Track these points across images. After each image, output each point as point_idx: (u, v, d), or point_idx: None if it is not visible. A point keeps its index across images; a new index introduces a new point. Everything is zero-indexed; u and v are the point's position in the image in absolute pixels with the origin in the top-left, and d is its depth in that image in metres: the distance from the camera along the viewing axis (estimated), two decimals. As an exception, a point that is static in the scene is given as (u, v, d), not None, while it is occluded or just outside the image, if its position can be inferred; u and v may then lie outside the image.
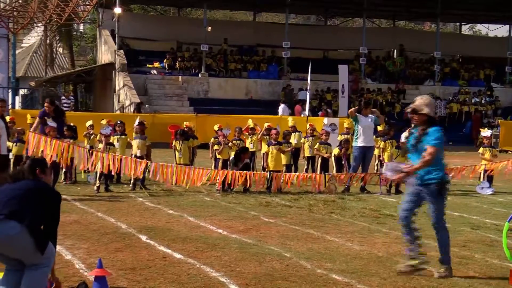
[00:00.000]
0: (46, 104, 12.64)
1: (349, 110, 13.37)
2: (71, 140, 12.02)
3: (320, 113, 26.24)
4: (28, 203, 4.65)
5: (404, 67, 33.85)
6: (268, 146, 12.87)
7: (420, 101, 6.09)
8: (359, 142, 12.66)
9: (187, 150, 12.82)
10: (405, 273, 5.99)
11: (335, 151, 13.09)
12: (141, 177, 11.49)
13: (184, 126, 14.09)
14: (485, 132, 13.56)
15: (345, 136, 13.75)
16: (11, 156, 12.15)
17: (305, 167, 14.09)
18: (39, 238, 4.61)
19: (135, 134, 12.48)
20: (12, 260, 4.62)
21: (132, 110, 25.16)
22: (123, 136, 12.67)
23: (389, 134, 13.19)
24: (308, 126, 14.74)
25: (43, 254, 4.61)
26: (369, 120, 12.81)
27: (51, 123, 12.00)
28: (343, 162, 13.10)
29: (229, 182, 11.57)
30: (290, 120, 15.50)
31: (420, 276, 6.01)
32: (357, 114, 12.93)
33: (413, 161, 6.12)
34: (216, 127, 14.15)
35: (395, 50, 38.24)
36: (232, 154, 12.75)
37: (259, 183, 11.75)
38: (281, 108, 26.19)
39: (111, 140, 12.08)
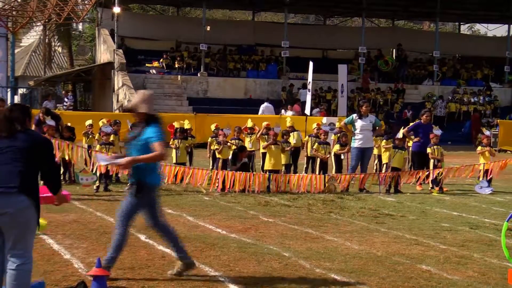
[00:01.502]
0: (41, 115, 12.68)
1: (341, 123, 13.46)
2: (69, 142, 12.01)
3: (320, 113, 26.21)
4: (32, 168, 4.61)
5: (399, 66, 33.84)
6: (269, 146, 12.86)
7: (137, 100, 5.79)
8: (357, 143, 12.65)
9: (185, 149, 12.82)
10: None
11: (335, 148, 13.08)
12: None
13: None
14: (487, 132, 13.57)
15: (341, 134, 13.69)
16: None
17: (305, 166, 14.08)
18: (39, 212, 4.67)
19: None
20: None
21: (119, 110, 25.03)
22: (117, 136, 12.69)
23: (390, 134, 13.22)
24: (314, 126, 14.71)
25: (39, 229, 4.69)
26: (368, 121, 12.79)
27: (49, 121, 11.99)
28: (342, 158, 13.11)
29: (228, 186, 11.52)
30: (288, 120, 15.49)
31: (420, 276, 6.02)
32: (353, 117, 12.91)
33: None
34: (213, 127, 14.15)
35: (394, 50, 38.30)
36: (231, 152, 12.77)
37: (259, 186, 11.65)
38: (263, 106, 25.93)
39: (111, 140, 12.06)
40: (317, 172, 12.94)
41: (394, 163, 12.57)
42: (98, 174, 11.30)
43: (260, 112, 25.09)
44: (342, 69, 25.31)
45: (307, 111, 22.78)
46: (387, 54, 37.08)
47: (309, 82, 22.98)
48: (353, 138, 12.78)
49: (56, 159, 11.37)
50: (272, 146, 12.60)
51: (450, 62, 35.99)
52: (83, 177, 11.29)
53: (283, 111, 25.28)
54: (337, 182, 12.07)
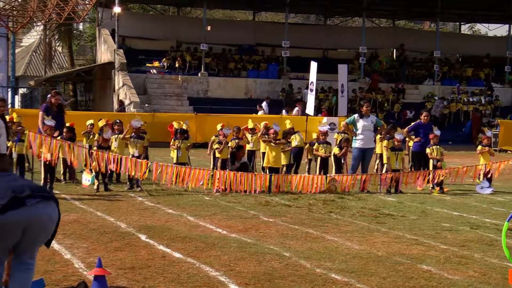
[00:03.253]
0: (56, 97, 12.67)
1: (343, 123, 13.42)
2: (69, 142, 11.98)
3: (321, 114, 26.23)
4: None
5: (400, 66, 33.82)
6: (269, 142, 12.86)
7: None
8: (357, 143, 12.64)
9: (185, 149, 12.80)
10: None
11: (335, 150, 13.07)
12: (140, 178, 11.46)
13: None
14: (488, 132, 13.51)
15: (343, 135, 13.66)
16: (14, 155, 12.15)
17: (307, 166, 14.07)
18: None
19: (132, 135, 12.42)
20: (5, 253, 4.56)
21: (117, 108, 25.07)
22: (121, 135, 12.63)
23: (390, 133, 13.19)
24: (314, 136, 14.63)
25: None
26: (370, 121, 12.77)
27: (48, 122, 11.98)
28: (342, 162, 13.10)
29: (230, 188, 11.49)
30: (288, 122, 15.40)
31: (420, 276, 6.02)
32: (355, 117, 12.90)
33: None
34: (219, 126, 14.13)
35: (394, 50, 38.32)
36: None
37: (261, 186, 11.60)
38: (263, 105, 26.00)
39: (110, 140, 12.04)
40: (317, 172, 12.94)
41: (392, 165, 12.58)
42: (94, 173, 11.29)
43: (261, 111, 25.18)
44: (342, 69, 25.30)
45: (311, 111, 22.67)
46: (387, 54, 37.13)
47: (311, 82, 22.90)
48: (354, 138, 12.76)
49: (52, 159, 11.34)
50: (272, 144, 12.62)
51: (451, 62, 35.99)
52: (86, 178, 11.32)
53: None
54: (338, 183, 12.02)
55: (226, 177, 11.47)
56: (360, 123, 12.68)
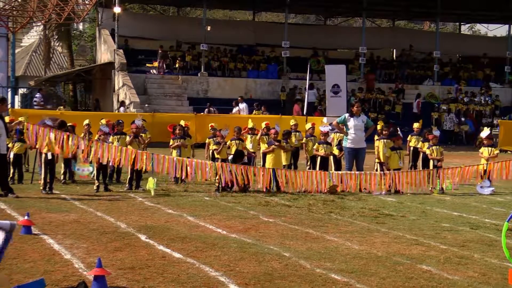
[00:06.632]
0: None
1: (333, 123, 13.42)
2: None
3: (315, 113, 26.20)
4: None
5: (400, 66, 33.82)
6: (269, 145, 12.85)
7: None
8: (348, 143, 12.61)
9: (184, 149, 12.80)
10: None
11: (335, 151, 13.07)
12: (141, 173, 11.47)
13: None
14: (484, 133, 13.45)
15: (341, 135, 13.63)
16: (11, 155, 12.16)
17: (307, 167, 14.07)
18: None
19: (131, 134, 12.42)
20: None
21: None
22: (123, 136, 12.62)
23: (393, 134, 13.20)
24: (309, 126, 14.69)
25: None
26: (361, 120, 12.72)
27: (48, 121, 11.97)
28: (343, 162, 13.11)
29: (237, 183, 11.47)
30: (293, 120, 15.47)
31: (420, 276, 6.02)
32: (346, 116, 12.87)
33: None
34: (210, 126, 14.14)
35: (394, 50, 38.35)
36: (232, 151, 12.75)
37: (264, 182, 11.56)
38: (242, 106, 26.09)
39: (110, 140, 12.02)
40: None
41: (394, 164, 12.57)
42: (94, 166, 11.28)
43: (235, 110, 25.30)
44: (330, 69, 25.22)
45: (304, 111, 22.65)
46: (387, 53, 37.16)
47: (307, 82, 22.95)
48: (345, 137, 12.73)
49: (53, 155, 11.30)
50: (273, 147, 12.64)
51: (451, 62, 35.96)
52: (80, 168, 11.28)
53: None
54: (339, 187, 11.95)
55: (230, 172, 11.38)
56: (351, 123, 12.65)
